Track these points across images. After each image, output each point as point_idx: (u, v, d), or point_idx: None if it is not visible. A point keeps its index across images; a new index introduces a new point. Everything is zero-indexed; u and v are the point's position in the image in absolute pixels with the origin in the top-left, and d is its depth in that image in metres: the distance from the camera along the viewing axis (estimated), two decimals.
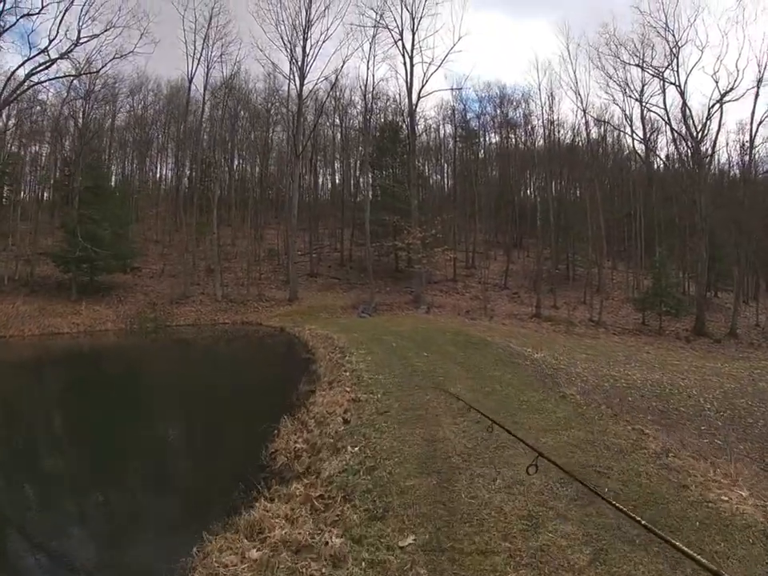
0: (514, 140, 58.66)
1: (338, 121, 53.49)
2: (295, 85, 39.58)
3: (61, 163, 53.59)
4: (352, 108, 53.10)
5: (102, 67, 38.12)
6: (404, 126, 47.29)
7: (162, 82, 58.77)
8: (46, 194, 54.86)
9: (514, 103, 55.86)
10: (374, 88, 43.55)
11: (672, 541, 1.87)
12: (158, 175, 59.30)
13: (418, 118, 42.97)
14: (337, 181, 60.64)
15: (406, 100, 40.77)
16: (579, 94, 45.52)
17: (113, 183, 56.62)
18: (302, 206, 55.23)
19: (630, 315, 39.22)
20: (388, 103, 51.31)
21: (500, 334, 26.46)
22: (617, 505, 2.66)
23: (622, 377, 16.00)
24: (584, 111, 45.58)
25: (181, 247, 44.33)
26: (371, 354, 17.18)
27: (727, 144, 59.57)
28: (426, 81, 39.98)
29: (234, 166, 57.52)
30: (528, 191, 63.17)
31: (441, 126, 60.56)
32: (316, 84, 41.65)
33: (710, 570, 1.61)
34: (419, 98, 40.19)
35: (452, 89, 52.68)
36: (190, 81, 41.81)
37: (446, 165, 64.40)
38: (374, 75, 43.33)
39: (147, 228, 50.90)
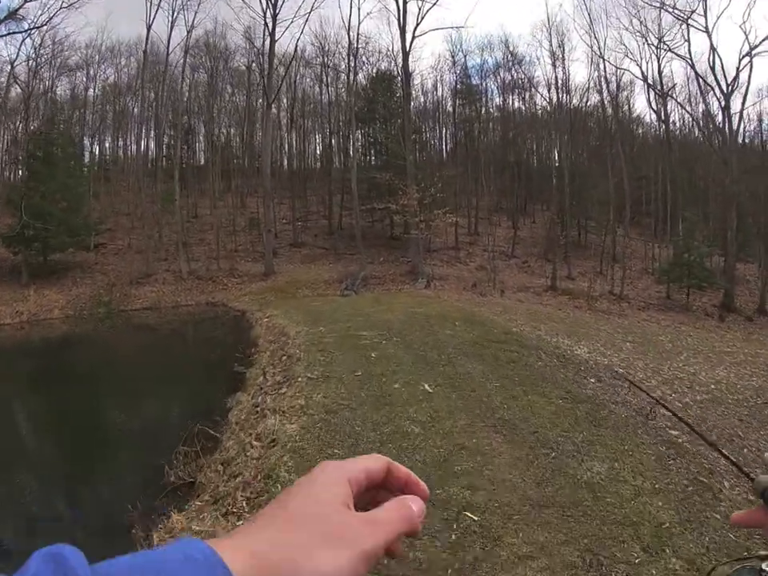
0: (518, 97, 49.82)
1: (324, 78, 44.55)
2: (265, 21, 30.84)
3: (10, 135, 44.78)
4: (339, 58, 44.58)
5: (49, 19, 30.64)
6: (397, 75, 38.74)
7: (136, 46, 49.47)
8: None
9: (519, 57, 46.66)
10: (359, 23, 35.05)
11: None
12: (134, 145, 50.22)
13: (412, 65, 34.04)
14: (325, 143, 50.86)
15: (398, 41, 32.15)
16: (596, 38, 36.71)
17: (85, 157, 49.01)
18: (288, 173, 47.34)
19: (650, 287, 32.02)
20: (380, 56, 42.26)
21: (522, 316, 19.30)
22: None
23: (689, 378, 12.34)
24: (601, 56, 36.70)
25: (151, 220, 36.34)
26: (328, 383, 9.01)
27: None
28: (422, 18, 31.24)
29: (217, 133, 48.81)
30: (533, 153, 54.17)
31: (438, 85, 51.69)
32: (291, 21, 32.99)
33: None
34: (414, 37, 31.52)
35: (452, 27, 43.17)
36: (149, 28, 33.04)
37: (444, 129, 55.35)
38: (359, 8, 33.91)
39: (120, 201, 42.54)
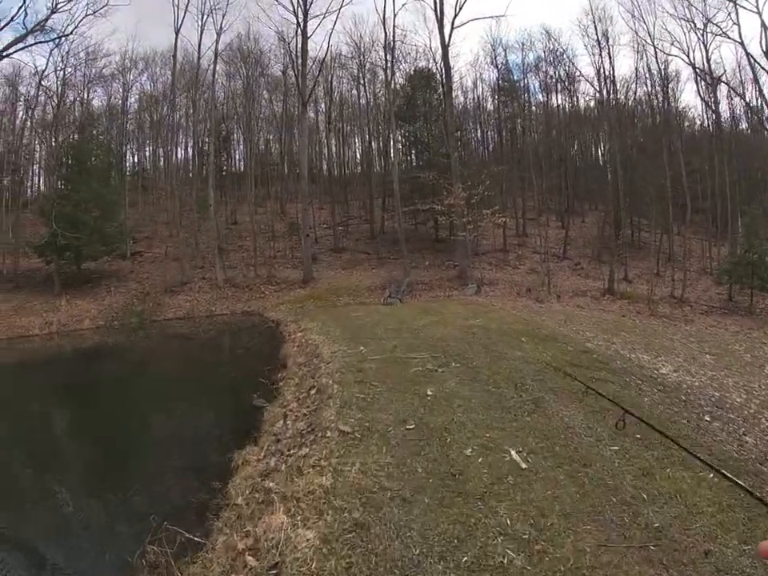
0: (562, 93, 46.21)
1: (361, 78, 41.69)
2: (297, 18, 28.26)
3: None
4: (376, 57, 41.78)
5: (75, 27, 28.46)
6: (436, 72, 35.83)
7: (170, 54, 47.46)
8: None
9: (561, 49, 42.99)
10: (394, 15, 32.09)
11: None
12: (171, 154, 48.18)
13: (451, 61, 31.01)
14: (365, 145, 47.80)
15: (436, 36, 29.31)
16: (643, 21, 33.19)
17: (125, 166, 47.42)
18: (328, 177, 44.75)
19: (710, 289, 28.05)
20: (417, 55, 39.36)
21: (588, 326, 16.34)
22: None
23: None
24: (651, 42, 33.14)
25: (188, 227, 34.26)
26: (368, 443, 5.93)
27: None
28: (460, 8, 28.26)
29: (255, 139, 46.46)
30: (580, 150, 50.34)
31: (478, 83, 48.52)
32: (324, 16, 30.21)
33: None
34: (452, 29, 28.53)
35: (492, 16, 39.97)
36: (177, 32, 30.70)
37: (485, 129, 51.76)
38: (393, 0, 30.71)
39: (159, 209, 40.54)
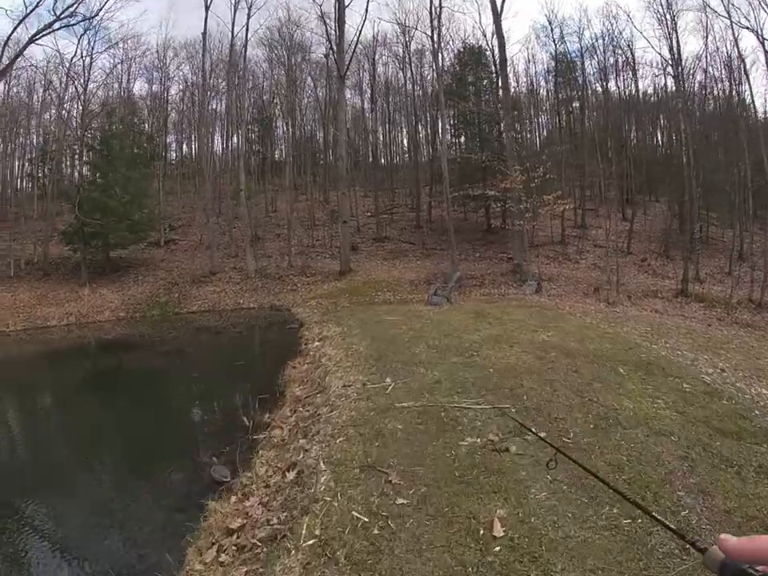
0: (622, 75, 40.76)
1: (407, 57, 37.22)
2: None
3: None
4: (422, 36, 37.34)
5: (100, 9, 25.68)
6: (486, 48, 31.39)
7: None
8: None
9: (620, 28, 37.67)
10: None
11: None
12: (214, 141, 44.63)
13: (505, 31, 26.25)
14: (412, 129, 43.20)
15: (487, 5, 24.67)
16: None
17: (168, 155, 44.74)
18: (373, 164, 40.61)
19: None
20: (465, 34, 34.80)
21: (680, 341, 12.00)
22: None
23: None
24: (727, 12, 27.39)
25: (227, 215, 30.96)
26: None
27: None
28: None
29: (300, 126, 42.69)
30: (640, 137, 44.58)
31: (531, 65, 43.66)
32: None
33: None
34: None
35: None
36: (207, 8, 26.74)
37: (539, 114, 46.78)
38: None
39: (199, 198, 37.27)
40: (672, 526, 1.02)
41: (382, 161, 45.43)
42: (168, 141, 46.90)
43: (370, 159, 41.03)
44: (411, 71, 37.38)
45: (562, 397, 6.15)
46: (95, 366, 15.64)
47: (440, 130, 27.41)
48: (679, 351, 10.86)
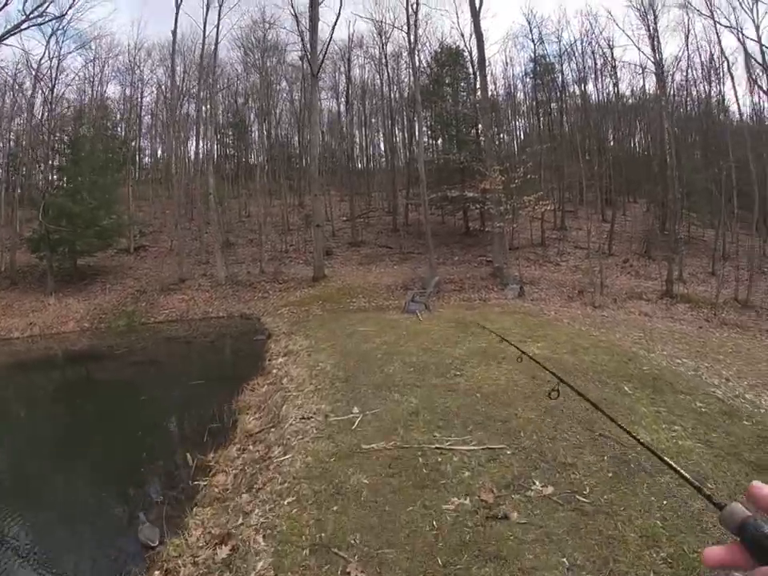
0: (600, 76, 39.97)
1: (383, 58, 36.04)
2: None
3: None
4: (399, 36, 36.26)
5: (70, 7, 24.46)
6: (463, 49, 30.30)
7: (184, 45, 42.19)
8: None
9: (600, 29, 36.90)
10: None
11: None
12: (183, 144, 42.87)
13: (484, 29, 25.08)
14: (387, 131, 40.96)
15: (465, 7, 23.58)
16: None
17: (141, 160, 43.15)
18: (349, 168, 39.22)
19: None
20: (442, 36, 33.74)
21: (680, 349, 11.12)
22: None
23: None
24: (711, 16, 26.48)
25: (198, 220, 29.44)
26: None
27: None
28: None
29: (274, 131, 41.31)
30: (618, 138, 43.60)
31: (509, 68, 42.79)
32: None
33: None
34: None
35: None
36: (178, 7, 25.33)
37: (516, 117, 45.73)
38: None
39: (171, 203, 35.63)
40: (687, 476, 0.84)
41: (359, 165, 44.29)
42: (142, 145, 45.06)
43: (347, 162, 39.53)
44: (388, 73, 36.15)
45: (567, 431, 4.96)
46: (43, 382, 14.05)
47: (417, 131, 26.09)
48: (679, 360, 9.86)
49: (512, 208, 20.13)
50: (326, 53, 24.48)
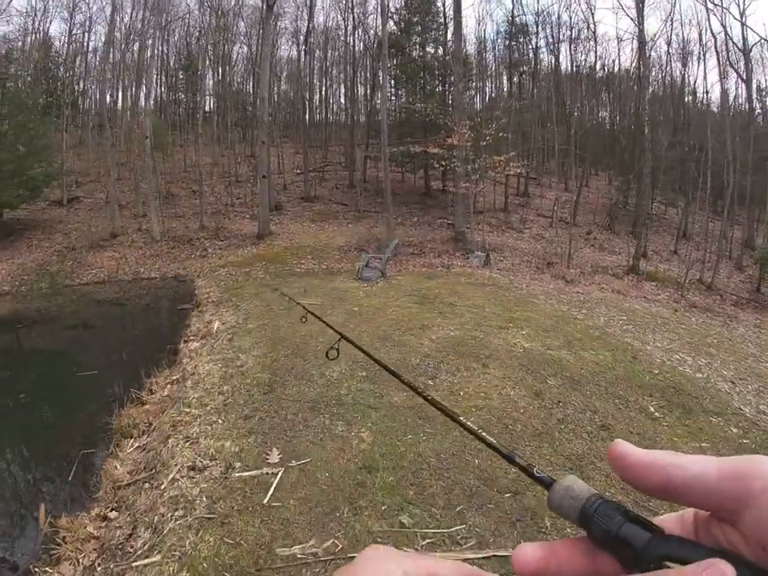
0: (572, 49, 37.99)
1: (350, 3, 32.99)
2: None
3: None
4: None
5: None
6: None
7: None
8: None
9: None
10: None
11: None
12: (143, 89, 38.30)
13: None
14: (349, 78, 37.56)
15: None
16: None
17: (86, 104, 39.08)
18: (307, 120, 36.20)
19: (733, 275, 21.62)
20: None
21: (669, 339, 9.59)
22: None
23: None
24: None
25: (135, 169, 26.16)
26: None
27: None
28: None
29: (228, 78, 37.92)
30: (587, 111, 41.69)
31: (480, 27, 40.12)
32: None
33: None
34: None
35: None
36: None
37: (487, 82, 43.30)
38: None
39: (114, 151, 31.96)
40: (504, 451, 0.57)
41: (317, 117, 41.32)
42: (86, 88, 40.79)
43: (304, 113, 36.47)
44: (354, 17, 33.24)
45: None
46: None
47: (381, 78, 23.31)
48: (678, 356, 8.18)
49: (480, 167, 18.00)
50: None
